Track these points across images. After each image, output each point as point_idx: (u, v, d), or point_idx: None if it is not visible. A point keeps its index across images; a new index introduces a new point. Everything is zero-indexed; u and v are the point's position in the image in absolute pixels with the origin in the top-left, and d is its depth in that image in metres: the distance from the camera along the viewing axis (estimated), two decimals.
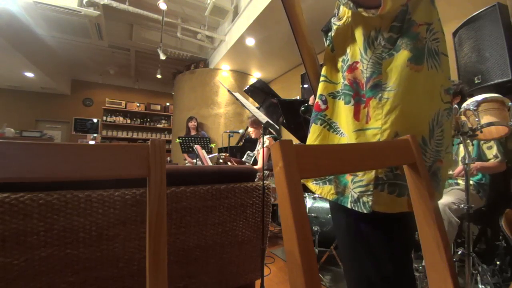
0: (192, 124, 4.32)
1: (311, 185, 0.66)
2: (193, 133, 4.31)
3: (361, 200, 0.54)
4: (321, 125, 0.65)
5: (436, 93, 0.56)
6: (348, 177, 0.58)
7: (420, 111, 0.54)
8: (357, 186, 0.55)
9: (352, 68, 0.60)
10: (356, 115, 0.57)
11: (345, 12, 0.62)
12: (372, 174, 0.53)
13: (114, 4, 3.58)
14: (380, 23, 0.55)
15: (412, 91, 0.52)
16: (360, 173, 0.55)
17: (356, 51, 0.59)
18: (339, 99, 0.63)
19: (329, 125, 0.64)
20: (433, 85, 0.56)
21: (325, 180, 0.63)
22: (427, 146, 0.55)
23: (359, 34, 0.58)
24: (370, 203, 0.52)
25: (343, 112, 0.61)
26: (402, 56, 0.53)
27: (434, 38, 0.55)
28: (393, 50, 0.54)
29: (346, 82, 0.60)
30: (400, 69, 0.53)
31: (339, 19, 0.64)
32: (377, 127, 0.54)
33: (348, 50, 0.61)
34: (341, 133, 0.62)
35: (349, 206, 0.56)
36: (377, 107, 0.54)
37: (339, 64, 0.64)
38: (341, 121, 0.62)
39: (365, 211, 0.53)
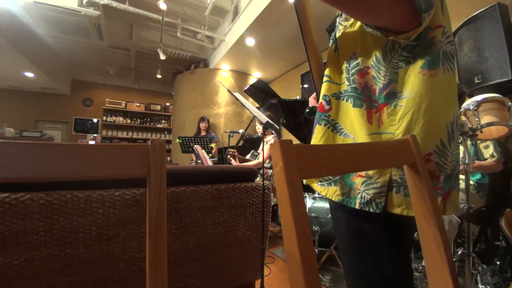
0: (203, 125, 4.23)
1: (316, 186, 0.66)
2: (203, 133, 4.22)
3: (373, 202, 0.54)
4: (325, 125, 0.65)
5: (453, 96, 0.56)
6: (355, 179, 0.57)
7: (436, 115, 0.53)
8: (371, 188, 0.54)
9: (363, 73, 0.59)
10: (369, 119, 0.57)
11: None
12: (387, 176, 0.54)
13: (114, 4, 3.59)
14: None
15: (427, 96, 0.52)
16: (374, 175, 0.55)
17: (368, 56, 0.58)
18: (344, 100, 0.63)
19: (333, 126, 0.64)
20: (450, 88, 0.55)
21: (330, 181, 0.63)
22: (447, 149, 0.54)
23: (375, 42, 0.57)
24: (382, 203, 0.53)
25: (351, 114, 0.60)
26: (417, 64, 0.53)
27: (449, 41, 0.55)
28: (410, 58, 0.54)
29: (356, 86, 0.60)
30: (414, 76, 0.53)
31: (346, 19, 0.62)
32: (391, 132, 0.54)
33: (357, 54, 0.60)
34: (345, 134, 0.62)
35: (357, 207, 0.56)
36: (392, 114, 0.54)
37: (343, 66, 0.63)
38: (346, 123, 0.62)
39: (377, 211, 0.53)
